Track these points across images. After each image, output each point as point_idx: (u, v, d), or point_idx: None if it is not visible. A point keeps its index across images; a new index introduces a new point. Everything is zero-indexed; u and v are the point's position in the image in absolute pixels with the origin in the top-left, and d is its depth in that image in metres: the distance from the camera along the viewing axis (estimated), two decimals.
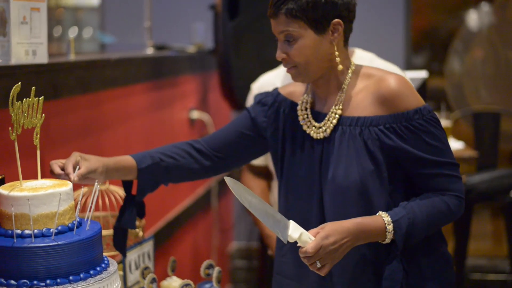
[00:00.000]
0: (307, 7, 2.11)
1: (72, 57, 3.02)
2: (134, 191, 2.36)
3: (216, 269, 2.40)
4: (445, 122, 4.97)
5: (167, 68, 4.08)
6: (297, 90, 2.36)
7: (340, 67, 2.17)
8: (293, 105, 2.33)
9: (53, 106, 2.55)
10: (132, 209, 2.35)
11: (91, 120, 2.96)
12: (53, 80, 2.55)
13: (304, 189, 2.28)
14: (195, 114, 4.58)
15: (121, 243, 2.34)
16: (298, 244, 2.01)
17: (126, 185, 2.38)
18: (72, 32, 5.59)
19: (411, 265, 2.18)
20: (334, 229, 2.02)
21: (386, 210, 2.13)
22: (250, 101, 3.15)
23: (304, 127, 2.27)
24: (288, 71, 2.22)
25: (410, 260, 2.18)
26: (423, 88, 4.27)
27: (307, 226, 2.13)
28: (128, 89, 3.41)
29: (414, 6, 6.16)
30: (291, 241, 2.01)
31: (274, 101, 2.38)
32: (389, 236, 2.09)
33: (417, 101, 2.14)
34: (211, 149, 2.40)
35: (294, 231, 2.01)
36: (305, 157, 2.27)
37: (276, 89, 2.41)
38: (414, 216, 2.10)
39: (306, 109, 2.29)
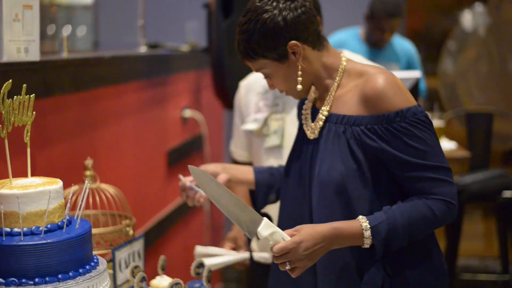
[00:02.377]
0: (258, 45, 2.14)
1: (64, 55, 3.02)
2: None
3: (206, 268, 2.40)
4: (438, 122, 4.99)
5: (160, 66, 4.08)
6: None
7: (299, 86, 2.18)
8: (304, 101, 2.38)
9: (45, 104, 2.55)
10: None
11: (84, 118, 2.95)
12: (45, 78, 2.55)
13: (297, 189, 2.28)
14: (188, 113, 4.58)
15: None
16: (270, 242, 2.00)
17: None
18: (66, 31, 5.58)
19: (397, 274, 2.14)
20: (309, 234, 2.00)
21: (369, 211, 2.10)
22: (238, 99, 3.15)
23: (304, 127, 2.29)
24: (286, 95, 2.28)
25: (396, 268, 2.14)
26: (415, 88, 4.27)
27: None
28: (121, 88, 3.41)
29: (408, 6, 6.17)
30: (260, 237, 2.00)
31: (302, 101, 2.43)
32: (368, 242, 2.05)
33: (402, 102, 2.08)
34: None
35: (265, 228, 2.00)
36: (300, 156, 2.29)
37: None
38: (395, 221, 2.05)
39: (308, 108, 2.30)
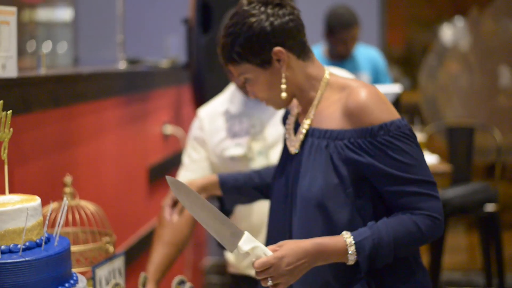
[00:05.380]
0: (242, 49, 2.13)
1: (43, 71, 2.99)
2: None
3: (187, 284, 2.37)
4: (419, 136, 4.98)
5: (139, 82, 4.06)
6: (294, 101, 2.34)
7: (284, 94, 2.16)
8: (288, 116, 2.37)
9: (24, 120, 2.53)
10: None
11: (63, 135, 2.93)
12: (23, 94, 2.52)
13: (280, 204, 2.26)
14: (169, 129, 4.56)
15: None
16: (252, 258, 1.97)
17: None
18: (46, 47, 5.57)
19: None
20: (291, 249, 1.97)
21: (349, 227, 2.06)
22: (198, 127, 3.05)
23: (287, 141, 2.28)
24: (266, 104, 2.26)
25: (378, 284, 2.11)
26: (396, 103, 4.28)
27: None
28: (100, 104, 3.38)
29: (388, 21, 6.19)
30: (241, 252, 1.96)
31: (286, 113, 2.42)
32: (352, 258, 2.02)
33: (385, 115, 2.06)
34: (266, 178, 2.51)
35: (246, 243, 1.96)
36: (284, 170, 2.27)
37: None
38: (380, 237, 2.02)
39: (292, 122, 2.29)
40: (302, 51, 2.18)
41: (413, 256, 2.18)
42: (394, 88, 4.77)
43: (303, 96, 2.21)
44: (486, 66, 6.33)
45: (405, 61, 5.86)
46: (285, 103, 2.23)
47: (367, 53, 5.34)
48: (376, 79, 5.27)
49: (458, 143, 5.73)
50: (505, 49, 6.29)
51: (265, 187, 2.48)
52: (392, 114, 2.08)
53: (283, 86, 2.16)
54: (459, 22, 6.33)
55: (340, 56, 5.19)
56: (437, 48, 6.34)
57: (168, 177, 1.98)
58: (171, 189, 2.00)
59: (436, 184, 2.10)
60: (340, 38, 5.07)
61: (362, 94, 2.08)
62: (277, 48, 2.13)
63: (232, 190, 2.50)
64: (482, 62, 6.33)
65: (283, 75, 2.15)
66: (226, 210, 2.56)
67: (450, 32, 6.35)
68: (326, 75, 2.20)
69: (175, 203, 2.43)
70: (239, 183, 2.50)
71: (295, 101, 2.31)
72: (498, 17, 6.35)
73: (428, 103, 6.31)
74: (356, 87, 2.12)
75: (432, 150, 5.33)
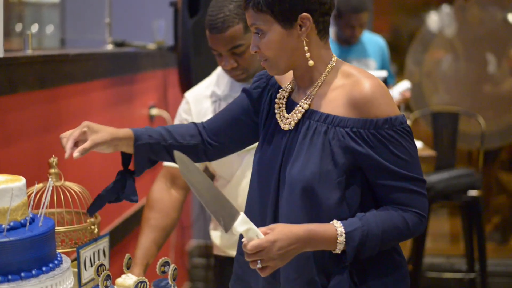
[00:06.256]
0: (273, 0, 2.07)
1: (29, 52, 2.99)
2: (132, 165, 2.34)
3: (172, 266, 2.39)
4: None
5: (126, 64, 4.06)
6: (287, 75, 2.28)
7: (311, 62, 2.12)
8: (279, 90, 2.29)
9: (9, 101, 2.53)
10: (131, 181, 2.32)
11: (49, 116, 2.93)
12: (9, 75, 2.53)
13: (265, 179, 2.22)
14: (155, 111, 4.57)
15: (96, 208, 2.31)
16: (243, 239, 1.97)
17: (125, 157, 2.34)
18: (33, 28, 5.54)
19: (362, 282, 2.12)
20: (283, 233, 1.97)
21: (335, 216, 2.07)
22: (184, 110, 3.03)
23: (277, 116, 2.22)
24: (262, 64, 2.19)
25: (361, 277, 2.12)
26: None
27: (263, 220, 2.12)
28: (86, 85, 3.39)
29: (375, 8, 6.20)
30: (235, 233, 1.97)
31: (267, 84, 2.33)
32: (340, 247, 2.03)
33: (390, 110, 2.06)
34: (210, 134, 2.36)
35: (241, 224, 1.96)
36: (272, 146, 2.22)
37: None
38: (369, 229, 2.03)
39: (284, 97, 2.24)
40: (323, 30, 2.15)
41: (395, 249, 2.19)
42: (381, 74, 4.81)
43: (305, 73, 2.17)
44: (472, 54, 6.35)
45: (392, 48, 5.85)
46: (284, 70, 2.17)
47: (375, 40, 5.35)
48: (382, 67, 5.29)
49: (442, 129, 5.76)
50: (491, 36, 6.31)
51: (174, 147, 2.31)
52: (396, 109, 2.09)
53: (307, 54, 2.11)
54: (446, 9, 6.35)
55: (346, 40, 5.19)
56: (423, 34, 6.36)
57: (176, 153, 1.96)
58: (177, 164, 1.97)
59: (426, 183, 2.12)
60: (348, 22, 5.06)
61: (368, 86, 2.07)
62: (306, 14, 2.08)
63: (145, 148, 2.30)
64: (468, 50, 6.35)
65: (304, 42, 2.11)
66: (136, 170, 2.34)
67: (437, 19, 6.36)
68: (334, 59, 2.18)
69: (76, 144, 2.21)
70: (153, 140, 2.30)
71: (287, 76, 2.28)
72: (484, 4, 6.37)
73: (414, 89, 6.34)
74: (363, 77, 2.10)
75: (417, 136, 5.32)
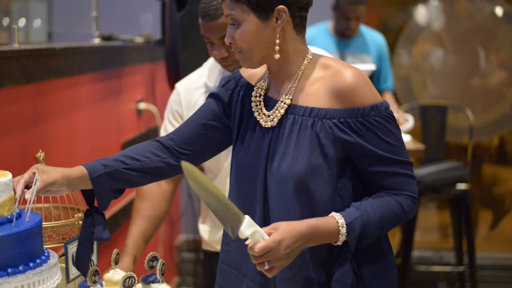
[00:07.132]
0: None
1: (16, 46, 2.97)
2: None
3: (160, 261, 2.38)
4: None
5: (114, 58, 4.04)
6: (258, 73, 2.27)
7: (277, 56, 2.10)
8: (251, 89, 2.25)
9: None
10: (99, 217, 2.25)
11: (36, 111, 2.91)
12: None
13: (249, 179, 2.20)
14: (143, 105, 4.55)
15: (84, 263, 2.26)
16: (247, 241, 1.94)
17: (87, 195, 2.25)
18: (20, 22, 5.52)
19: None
20: (288, 231, 1.96)
21: (330, 209, 2.07)
22: (174, 101, 3.02)
23: (255, 114, 2.20)
24: (236, 56, 2.17)
25: (358, 265, 2.12)
26: (371, 79, 4.30)
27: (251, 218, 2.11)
28: (73, 79, 3.37)
29: None
30: (242, 237, 1.94)
31: (236, 85, 2.29)
32: (342, 238, 2.03)
33: (374, 97, 2.07)
34: (181, 144, 2.29)
35: (248, 227, 1.93)
36: (253, 145, 2.20)
37: (238, 71, 2.32)
38: (368, 217, 2.04)
39: (260, 95, 2.21)
40: (300, 25, 2.14)
41: (384, 238, 2.19)
42: (369, 66, 4.82)
43: (282, 68, 2.16)
44: (460, 47, 6.36)
45: None
46: (258, 63, 2.15)
47: (374, 37, 5.35)
48: (379, 65, 5.28)
49: (430, 122, 5.76)
50: (479, 30, 6.32)
51: (138, 168, 2.24)
52: (378, 96, 2.09)
53: (277, 47, 2.09)
54: (434, 2, 6.35)
55: (342, 33, 5.19)
56: (411, 28, 6.35)
57: (183, 163, 1.91)
58: (184, 173, 1.94)
59: (413, 165, 2.14)
60: (344, 13, 5.06)
61: (350, 75, 2.07)
62: (283, 7, 2.06)
63: (102, 179, 2.19)
64: (456, 43, 6.35)
65: (277, 35, 2.09)
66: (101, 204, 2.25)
67: (425, 13, 6.36)
68: (310, 53, 2.17)
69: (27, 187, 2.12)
70: (109, 168, 2.20)
71: (257, 74, 2.27)
72: None
73: (402, 82, 6.34)
74: (342, 68, 2.10)
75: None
